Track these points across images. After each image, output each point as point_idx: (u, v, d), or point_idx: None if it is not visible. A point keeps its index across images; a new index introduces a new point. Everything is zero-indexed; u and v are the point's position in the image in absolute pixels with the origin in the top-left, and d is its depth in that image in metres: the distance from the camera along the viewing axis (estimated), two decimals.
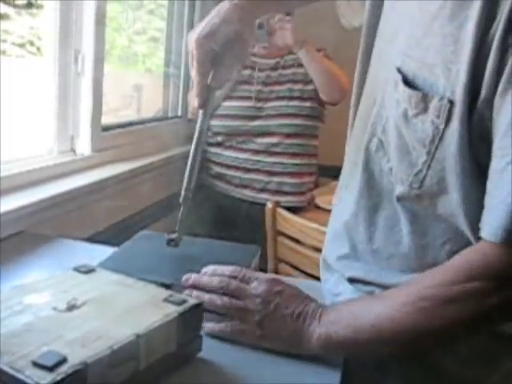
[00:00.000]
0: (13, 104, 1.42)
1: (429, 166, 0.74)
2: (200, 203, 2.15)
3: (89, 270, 0.80)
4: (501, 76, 0.65)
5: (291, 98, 2.10)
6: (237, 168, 2.13)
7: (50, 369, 0.54)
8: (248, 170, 2.12)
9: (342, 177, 0.95)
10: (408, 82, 0.74)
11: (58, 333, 0.62)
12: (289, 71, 2.13)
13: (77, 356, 0.57)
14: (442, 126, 0.71)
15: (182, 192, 0.93)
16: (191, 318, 0.72)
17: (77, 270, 0.80)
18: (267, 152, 2.09)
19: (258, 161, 2.10)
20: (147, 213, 1.91)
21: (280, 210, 1.71)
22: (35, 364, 0.55)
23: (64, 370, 0.55)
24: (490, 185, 0.68)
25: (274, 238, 1.73)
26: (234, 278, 0.82)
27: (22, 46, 1.60)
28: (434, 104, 0.71)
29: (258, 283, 0.80)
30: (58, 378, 0.54)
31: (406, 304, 0.71)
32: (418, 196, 0.77)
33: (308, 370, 0.76)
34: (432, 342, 0.75)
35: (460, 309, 0.69)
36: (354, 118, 0.93)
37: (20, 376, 0.53)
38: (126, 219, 1.75)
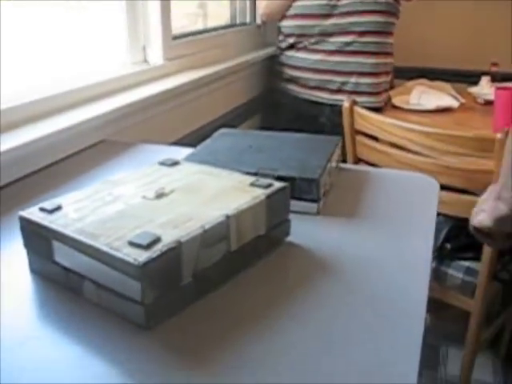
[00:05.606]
0: (87, 24, 1.43)
1: None
2: (275, 108, 2.13)
3: (174, 163, 0.80)
4: None
5: None
6: (310, 70, 2.07)
7: (146, 247, 0.56)
8: (322, 72, 2.05)
9: None
10: None
11: (150, 217, 0.63)
12: None
13: (170, 236, 0.58)
14: None
15: None
16: (279, 201, 0.71)
17: (162, 163, 0.81)
18: (341, 52, 2.02)
19: (333, 61, 2.03)
20: (224, 119, 1.91)
21: (357, 108, 1.67)
22: (131, 243, 0.56)
23: (159, 247, 0.56)
24: None
25: (352, 137, 1.70)
26: None
27: None
28: None
29: None
30: (154, 255, 0.55)
31: None
32: None
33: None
34: None
35: None
36: None
37: (118, 254, 0.55)
38: (204, 126, 1.75)
